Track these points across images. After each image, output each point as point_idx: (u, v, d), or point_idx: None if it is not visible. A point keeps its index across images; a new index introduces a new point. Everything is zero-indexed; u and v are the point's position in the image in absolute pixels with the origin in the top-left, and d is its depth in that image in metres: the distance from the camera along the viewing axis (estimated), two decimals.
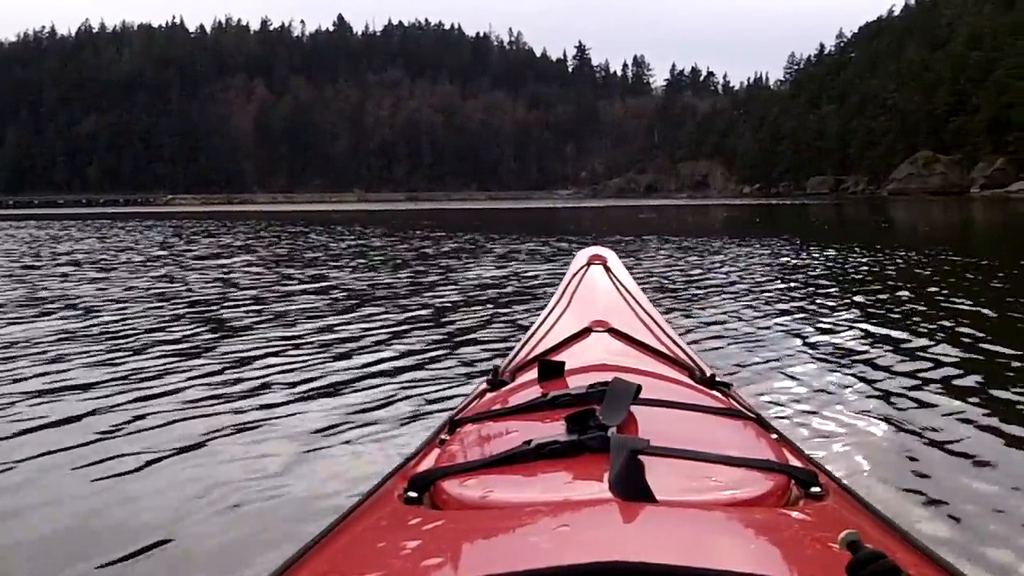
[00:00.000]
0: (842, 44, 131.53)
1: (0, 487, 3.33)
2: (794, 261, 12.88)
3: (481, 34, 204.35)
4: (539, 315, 2.55)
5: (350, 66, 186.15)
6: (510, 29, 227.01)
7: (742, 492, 1.21)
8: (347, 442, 3.80)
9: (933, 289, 9.08)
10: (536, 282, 10.05)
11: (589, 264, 2.75)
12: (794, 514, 1.18)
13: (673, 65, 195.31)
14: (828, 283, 9.95)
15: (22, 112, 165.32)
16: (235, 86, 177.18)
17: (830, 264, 12.38)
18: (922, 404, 4.33)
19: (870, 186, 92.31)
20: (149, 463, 3.56)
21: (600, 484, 1.16)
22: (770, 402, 4.34)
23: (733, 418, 1.65)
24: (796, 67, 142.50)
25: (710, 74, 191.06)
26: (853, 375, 5.01)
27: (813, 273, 11.12)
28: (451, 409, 1.96)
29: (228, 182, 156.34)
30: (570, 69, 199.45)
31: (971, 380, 4.84)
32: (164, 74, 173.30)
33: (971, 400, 4.39)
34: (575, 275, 2.72)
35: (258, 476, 3.38)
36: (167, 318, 7.67)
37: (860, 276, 10.68)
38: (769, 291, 9.03)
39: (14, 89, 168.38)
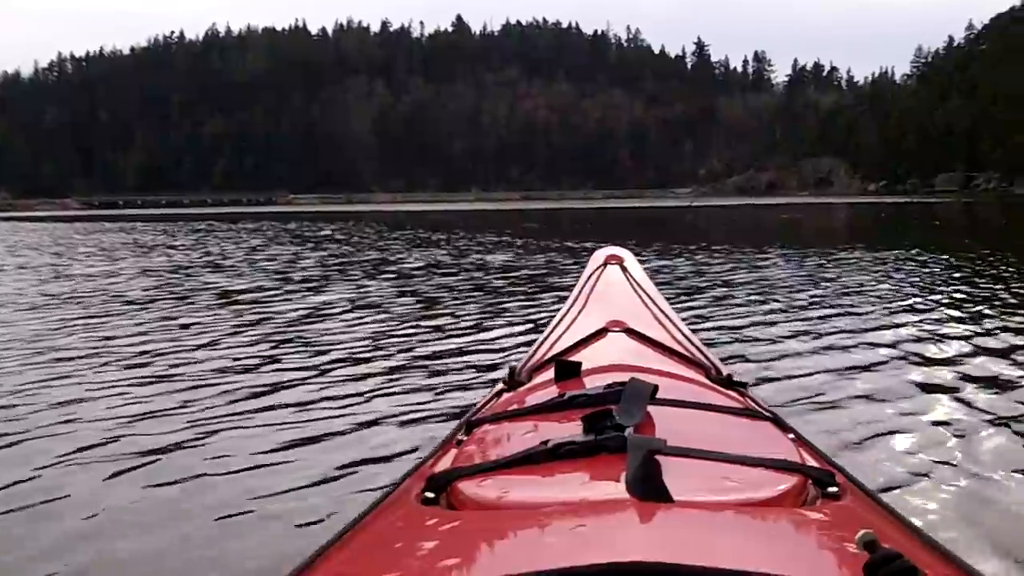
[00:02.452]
0: (972, 35, 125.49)
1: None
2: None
3: (599, 32, 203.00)
4: (556, 315, 2.56)
5: (468, 66, 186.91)
6: (628, 26, 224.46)
7: (759, 492, 1.20)
8: (364, 442, 3.87)
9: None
10: None
11: (606, 264, 2.74)
12: (811, 514, 1.17)
13: (795, 60, 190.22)
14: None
15: (151, 115, 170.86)
16: (355, 87, 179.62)
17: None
18: (943, 404, 4.36)
19: (1002, 183, 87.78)
20: (161, 462, 3.65)
21: (617, 484, 1.16)
22: (787, 401, 4.32)
23: (750, 418, 1.64)
24: (924, 60, 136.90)
25: (833, 69, 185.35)
26: (872, 376, 5.04)
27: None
28: (468, 409, 1.99)
29: (348, 182, 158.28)
30: (689, 66, 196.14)
31: (1000, 381, 4.81)
32: (287, 76, 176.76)
33: (998, 402, 4.38)
34: (591, 275, 2.70)
35: (276, 476, 3.44)
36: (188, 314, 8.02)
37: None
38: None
39: (144, 92, 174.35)
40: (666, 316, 2.43)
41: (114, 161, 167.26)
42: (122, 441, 3.92)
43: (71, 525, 2.99)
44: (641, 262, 2.90)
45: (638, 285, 2.60)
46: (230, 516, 3.02)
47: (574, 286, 2.74)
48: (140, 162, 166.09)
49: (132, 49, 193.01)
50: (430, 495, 1.27)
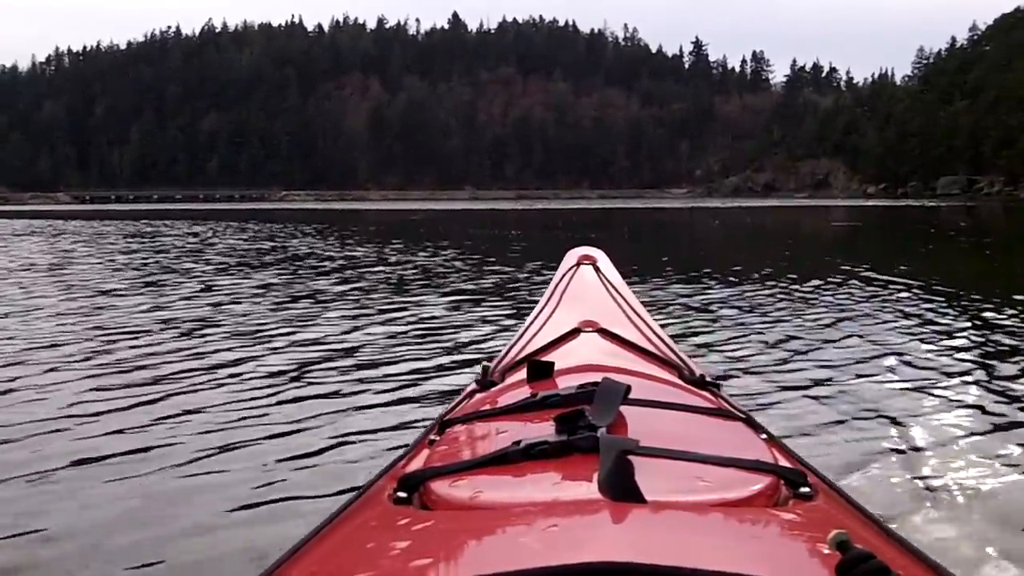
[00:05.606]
0: (976, 37, 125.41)
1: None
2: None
3: (595, 31, 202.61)
4: (528, 315, 2.55)
5: (464, 64, 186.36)
6: (625, 25, 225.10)
7: (731, 492, 1.21)
8: (336, 442, 3.83)
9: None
10: None
11: (579, 264, 2.72)
12: (783, 514, 1.17)
13: (794, 61, 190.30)
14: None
15: (146, 109, 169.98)
16: (350, 84, 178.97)
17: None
18: (913, 403, 4.46)
19: (1006, 187, 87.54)
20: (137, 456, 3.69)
21: (589, 484, 1.16)
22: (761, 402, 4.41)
23: (723, 418, 1.65)
24: (925, 61, 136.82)
25: (832, 70, 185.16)
26: (844, 376, 5.11)
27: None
28: (441, 409, 1.99)
29: (343, 179, 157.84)
30: (686, 65, 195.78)
31: (970, 380, 4.94)
32: (282, 72, 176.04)
33: (968, 401, 4.50)
34: (565, 275, 2.68)
35: (246, 475, 3.43)
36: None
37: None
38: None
39: (140, 87, 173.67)
40: (639, 316, 2.41)
41: (109, 155, 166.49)
42: (97, 449, 3.82)
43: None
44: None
45: (611, 285, 2.58)
46: (197, 519, 3.00)
47: (547, 286, 2.73)
48: (135, 156, 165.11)
49: (129, 44, 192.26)
50: (402, 495, 1.27)
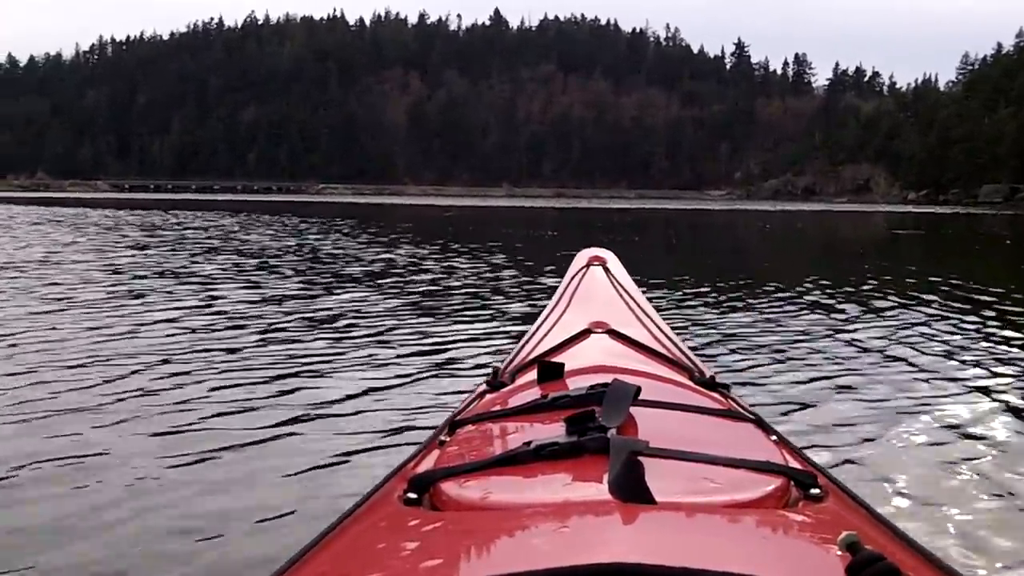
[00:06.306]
0: (1022, 44, 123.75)
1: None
2: None
3: (637, 30, 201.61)
4: (539, 316, 2.56)
5: (504, 61, 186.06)
6: (667, 25, 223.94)
7: (741, 493, 1.21)
8: (347, 443, 3.83)
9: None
10: None
11: (589, 265, 2.74)
12: (793, 516, 1.17)
13: (836, 64, 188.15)
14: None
15: (188, 100, 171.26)
16: (391, 79, 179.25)
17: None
18: (923, 405, 4.46)
19: None
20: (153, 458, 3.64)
21: (600, 486, 1.16)
22: (769, 403, 4.40)
23: (732, 419, 1.65)
24: (970, 67, 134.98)
25: (875, 74, 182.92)
26: (854, 377, 5.13)
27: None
28: (451, 410, 1.99)
29: (380, 173, 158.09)
30: (728, 67, 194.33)
31: (981, 384, 4.94)
32: (323, 66, 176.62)
33: (979, 403, 4.52)
34: (575, 276, 2.70)
35: (254, 476, 3.43)
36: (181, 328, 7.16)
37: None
38: None
39: (181, 78, 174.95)
40: (649, 317, 2.42)
41: (149, 145, 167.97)
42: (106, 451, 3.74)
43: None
44: None
45: (621, 286, 2.60)
46: (205, 521, 2.98)
47: (557, 287, 2.76)
48: (175, 146, 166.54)
49: (171, 34, 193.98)
50: (413, 496, 1.27)
